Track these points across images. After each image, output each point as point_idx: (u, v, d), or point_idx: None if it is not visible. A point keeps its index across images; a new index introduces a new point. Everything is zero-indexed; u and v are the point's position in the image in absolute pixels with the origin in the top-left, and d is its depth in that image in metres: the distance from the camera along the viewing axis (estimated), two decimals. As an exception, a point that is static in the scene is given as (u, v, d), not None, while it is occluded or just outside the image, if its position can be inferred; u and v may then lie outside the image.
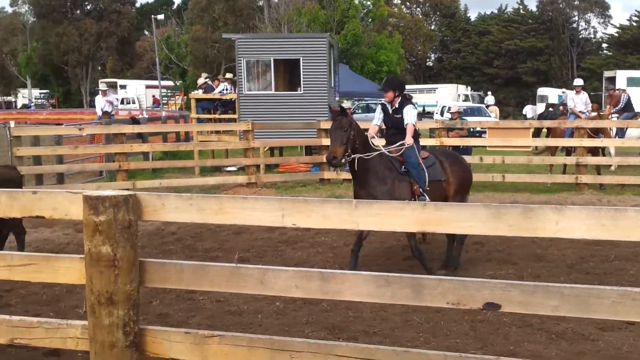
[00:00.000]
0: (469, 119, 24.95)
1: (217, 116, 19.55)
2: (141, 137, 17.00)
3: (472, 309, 3.07)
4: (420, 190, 7.64)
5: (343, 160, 7.55)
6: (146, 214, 3.35)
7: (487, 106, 38.15)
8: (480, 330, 5.65)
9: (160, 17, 50.02)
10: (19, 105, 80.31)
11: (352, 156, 7.40)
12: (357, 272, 3.19)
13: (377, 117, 8.31)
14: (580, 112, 16.36)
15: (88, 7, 78.76)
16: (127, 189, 9.72)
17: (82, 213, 3.29)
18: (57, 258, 3.56)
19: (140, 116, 27.52)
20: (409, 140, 7.74)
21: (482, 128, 20.18)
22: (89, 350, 3.31)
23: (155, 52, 49.10)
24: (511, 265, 7.79)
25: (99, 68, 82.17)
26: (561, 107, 22.68)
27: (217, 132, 18.80)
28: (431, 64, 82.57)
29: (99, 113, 19.24)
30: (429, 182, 7.68)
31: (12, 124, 14.00)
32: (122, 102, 48.08)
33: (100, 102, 19.65)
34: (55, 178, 14.81)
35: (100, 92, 20.32)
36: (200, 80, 21.23)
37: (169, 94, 58.76)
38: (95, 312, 3.24)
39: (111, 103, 19.83)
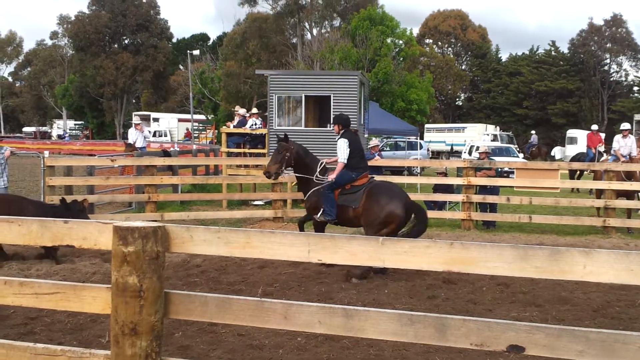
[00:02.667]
0: (497, 159, 24.85)
1: (247, 150, 19.70)
2: (171, 170, 17.18)
3: (495, 351, 3.04)
4: (325, 209, 9.59)
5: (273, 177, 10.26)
6: (174, 246, 3.38)
7: (532, 146, 37.77)
8: (504, 374, 5.55)
9: (196, 52, 50.84)
10: (54, 135, 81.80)
11: (283, 172, 10.31)
12: (381, 310, 3.18)
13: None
14: (622, 155, 16.22)
15: (126, 42, 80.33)
16: (156, 221, 9.82)
17: (111, 243, 3.33)
18: (84, 287, 3.59)
19: (172, 149, 27.83)
20: (331, 177, 9.71)
21: (510, 168, 20.06)
22: (111, 380, 3.32)
23: (190, 87, 49.79)
24: (536, 308, 7.68)
25: (134, 101, 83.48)
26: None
27: (246, 166, 18.95)
28: (460, 103, 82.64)
29: (137, 145, 19.51)
30: (342, 205, 9.54)
31: (46, 154, 14.21)
32: (154, 135, 48.75)
33: (133, 135, 19.94)
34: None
35: (134, 125, 20.63)
36: (242, 111, 21.45)
37: (201, 128, 59.47)
38: (118, 342, 3.26)
39: (144, 136, 20.12)
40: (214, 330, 6.48)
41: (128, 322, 3.23)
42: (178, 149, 28.94)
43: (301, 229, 10.42)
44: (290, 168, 10.29)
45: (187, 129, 54.94)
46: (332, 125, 10.41)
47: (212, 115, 59.73)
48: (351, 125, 10.26)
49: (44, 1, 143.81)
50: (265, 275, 9.11)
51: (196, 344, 6.15)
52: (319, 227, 10.12)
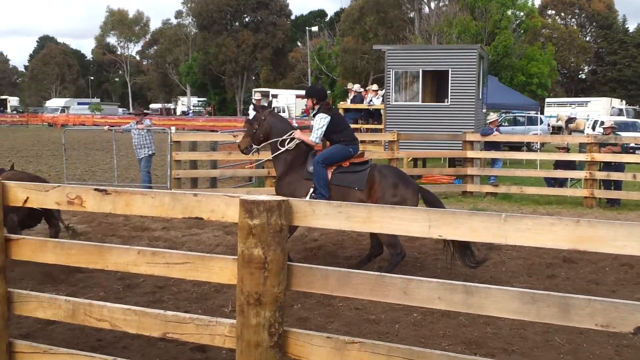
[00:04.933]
0: (623, 134, 23.67)
1: (364, 126, 19.75)
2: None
3: (619, 333, 2.94)
4: (317, 188, 8.01)
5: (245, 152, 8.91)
6: (296, 219, 3.46)
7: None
8: (626, 356, 5.35)
9: (315, 29, 51.24)
10: (178, 112, 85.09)
11: (253, 148, 8.66)
12: (502, 288, 3.14)
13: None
14: None
15: (246, 19, 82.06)
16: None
17: (237, 216, 3.45)
18: (212, 258, 3.74)
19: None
20: (298, 135, 8.40)
21: (636, 144, 19.06)
22: (234, 348, 3.45)
23: (308, 63, 50.29)
24: (664, 290, 7.33)
25: (253, 78, 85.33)
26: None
27: (363, 141, 19.00)
28: (584, 77, 78.98)
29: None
30: (339, 185, 8.01)
31: (173, 129, 14.85)
32: (272, 111, 49.58)
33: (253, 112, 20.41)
34: (208, 182, 15.57)
35: (254, 101, 21.11)
36: (356, 87, 21.52)
37: (318, 104, 59.99)
38: (243, 312, 3.39)
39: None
40: (331, 303, 6.61)
41: (253, 293, 3.35)
42: (296, 125, 29.41)
43: None
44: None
45: (306, 105, 55.56)
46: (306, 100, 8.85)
47: (330, 91, 60.12)
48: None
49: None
50: (381, 251, 9.15)
51: (314, 316, 6.29)
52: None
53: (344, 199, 7.69)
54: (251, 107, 21.52)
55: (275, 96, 64.28)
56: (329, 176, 8.10)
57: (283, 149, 8.36)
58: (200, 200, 3.66)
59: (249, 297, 3.36)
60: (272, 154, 8.56)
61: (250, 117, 20.45)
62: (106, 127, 19.61)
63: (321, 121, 8.29)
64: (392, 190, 7.94)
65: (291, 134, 8.45)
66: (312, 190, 8.11)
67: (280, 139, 8.39)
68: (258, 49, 78.78)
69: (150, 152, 15.00)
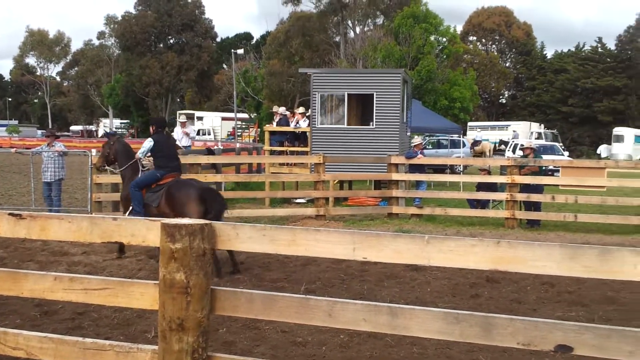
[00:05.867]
0: (543, 157, 24.50)
1: (290, 148, 19.78)
2: (215, 168, 17.34)
3: (542, 351, 3.00)
4: (133, 206, 9.86)
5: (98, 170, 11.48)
6: (220, 243, 3.42)
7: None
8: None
9: (240, 51, 51.21)
10: (100, 133, 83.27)
11: (105, 167, 11.12)
12: (426, 309, 3.17)
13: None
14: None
15: (171, 41, 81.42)
16: (200, 218, 9.91)
17: (159, 240, 3.38)
18: (132, 283, 3.65)
19: (216, 147, 28.09)
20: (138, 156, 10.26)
21: (555, 166, 19.76)
22: (158, 376, 3.37)
23: (233, 85, 50.18)
24: (582, 307, 7.57)
25: (178, 100, 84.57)
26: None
27: (289, 164, 19.02)
28: (504, 101, 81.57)
29: (179, 144, 19.71)
30: (147, 204, 9.73)
31: (93, 152, 14.49)
32: (198, 134, 49.25)
33: (179, 133, 20.17)
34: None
35: (179, 123, 20.86)
36: (281, 109, 21.56)
37: (244, 126, 59.86)
38: (166, 338, 3.31)
39: (188, 134, 20.33)
40: (257, 326, 6.53)
41: (175, 318, 3.27)
42: (222, 147, 29.21)
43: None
44: (115, 164, 10.92)
45: (233, 128, 55.28)
46: (150, 127, 10.76)
47: (255, 114, 60.09)
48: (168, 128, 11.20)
49: (91, 2, 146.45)
50: (308, 273, 9.15)
51: (240, 340, 6.21)
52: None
53: (151, 213, 9.44)
54: (175, 129, 21.30)
55: (200, 118, 63.84)
56: (144, 196, 9.81)
57: (123, 168, 10.45)
58: (119, 224, 3.58)
59: (171, 322, 3.29)
60: (119, 170, 10.65)
61: (176, 138, 20.32)
62: (13, 150, 18.99)
63: (147, 143, 10.15)
64: (172, 200, 9.41)
65: (136, 159, 10.33)
66: (129, 210, 9.94)
67: (131, 162, 10.32)
68: (183, 70, 78.17)
69: (59, 177, 14.62)
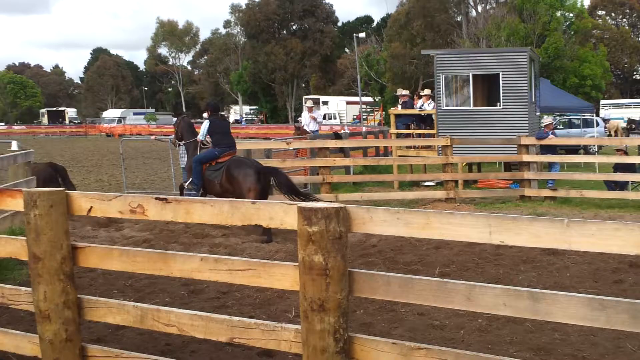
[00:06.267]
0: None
1: (416, 131, 19.66)
2: (343, 152, 17.54)
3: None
4: (192, 179, 11.13)
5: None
6: (355, 226, 3.47)
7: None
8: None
9: (362, 35, 51.21)
10: (231, 120, 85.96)
11: (179, 143, 12.39)
12: (569, 294, 3.09)
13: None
14: None
15: (294, 27, 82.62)
16: (331, 201, 10.09)
17: (296, 223, 3.48)
18: (273, 265, 3.78)
19: (342, 131, 28.35)
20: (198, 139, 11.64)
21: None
22: (301, 354, 3.48)
23: (357, 69, 50.30)
24: None
25: (303, 85, 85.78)
26: None
27: (415, 147, 18.90)
28: (639, 77, 76.95)
29: (307, 129, 20.06)
30: (208, 179, 10.96)
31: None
32: (324, 118, 49.83)
33: (306, 118, 20.52)
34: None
35: (306, 108, 21.21)
36: (405, 92, 21.44)
37: (369, 110, 59.93)
38: (308, 318, 3.41)
39: (315, 119, 20.64)
40: (393, 309, 6.57)
41: (316, 299, 3.37)
42: (348, 131, 29.44)
43: (181, 193, 11.67)
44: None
45: (359, 111, 55.46)
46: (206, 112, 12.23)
47: (379, 97, 60.01)
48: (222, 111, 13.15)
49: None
50: (441, 256, 9.07)
51: (377, 322, 6.27)
52: (182, 192, 11.70)
53: (214, 190, 10.87)
54: (303, 114, 21.67)
55: (325, 103, 64.49)
56: (204, 171, 11.02)
57: (187, 142, 11.87)
58: (258, 208, 3.70)
59: (312, 303, 3.38)
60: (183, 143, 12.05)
61: (303, 123, 20.67)
62: (153, 137, 19.97)
63: (204, 125, 11.47)
64: (233, 178, 10.63)
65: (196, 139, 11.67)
66: (189, 181, 11.29)
67: (192, 139, 11.72)
68: (306, 56, 79.22)
69: None
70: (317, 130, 20.31)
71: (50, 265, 4.15)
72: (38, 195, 4.12)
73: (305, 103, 23.01)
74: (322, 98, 66.32)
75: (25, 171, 10.53)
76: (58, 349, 4.21)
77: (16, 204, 4.38)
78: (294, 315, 6.23)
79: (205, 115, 12.42)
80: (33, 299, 4.27)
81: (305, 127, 20.21)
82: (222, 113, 13.37)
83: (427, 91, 21.51)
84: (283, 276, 3.65)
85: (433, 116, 19.28)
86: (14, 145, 12.52)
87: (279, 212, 3.63)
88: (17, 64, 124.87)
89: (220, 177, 10.84)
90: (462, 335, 5.89)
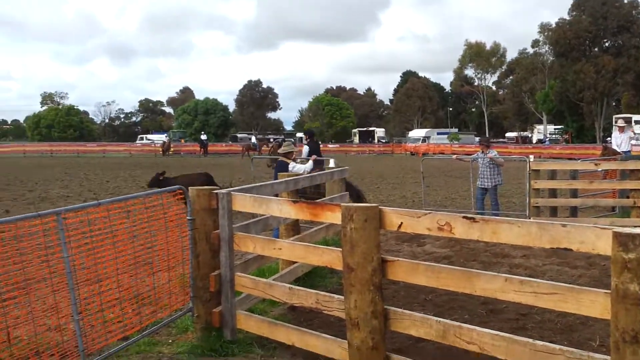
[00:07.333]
0: None
1: None
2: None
3: None
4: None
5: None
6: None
7: None
8: None
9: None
10: (534, 140, 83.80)
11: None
12: None
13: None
14: None
15: (606, 44, 78.18)
16: (645, 228, 9.31)
17: (609, 249, 3.33)
18: (582, 290, 3.65)
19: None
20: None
21: None
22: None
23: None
24: None
25: (614, 104, 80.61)
26: None
27: None
28: None
29: (618, 149, 18.80)
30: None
31: (531, 157, 14.73)
32: (637, 139, 46.09)
33: (617, 138, 19.24)
34: (568, 211, 15.02)
35: (617, 128, 19.89)
36: None
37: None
38: (619, 349, 3.24)
39: (630, 139, 19.27)
40: None
41: (629, 330, 3.19)
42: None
43: None
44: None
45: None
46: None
47: None
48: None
49: (525, 12, 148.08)
50: None
51: None
52: None
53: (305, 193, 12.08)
54: (613, 134, 20.32)
55: (638, 122, 59.63)
56: None
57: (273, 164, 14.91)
58: (569, 231, 3.62)
59: (624, 334, 3.21)
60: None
61: (613, 144, 19.40)
62: (454, 156, 20.24)
63: (304, 149, 15.23)
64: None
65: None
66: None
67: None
68: (619, 74, 74.22)
69: (495, 182, 15.04)
70: (629, 151, 18.89)
71: (362, 276, 4.46)
72: (355, 210, 4.46)
73: (616, 122, 21.54)
74: (635, 117, 61.40)
75: (340, 187, 11.32)
76: (365, 356, 4.50)
77: (334, 217, 4.79)
78: (598, 344, 5.90)
79: (304, 140, 14.40)
80: (344, 307, 4.61)
81: (616, 147, 18.92)
82: (316, 139, 17.20)
83: None
84: (592, 303, 3.53)
85: None
86: (332, 163, 13.74)
87: (591, 236, 3.53)
88: (334, 88, 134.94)
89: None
90: None
